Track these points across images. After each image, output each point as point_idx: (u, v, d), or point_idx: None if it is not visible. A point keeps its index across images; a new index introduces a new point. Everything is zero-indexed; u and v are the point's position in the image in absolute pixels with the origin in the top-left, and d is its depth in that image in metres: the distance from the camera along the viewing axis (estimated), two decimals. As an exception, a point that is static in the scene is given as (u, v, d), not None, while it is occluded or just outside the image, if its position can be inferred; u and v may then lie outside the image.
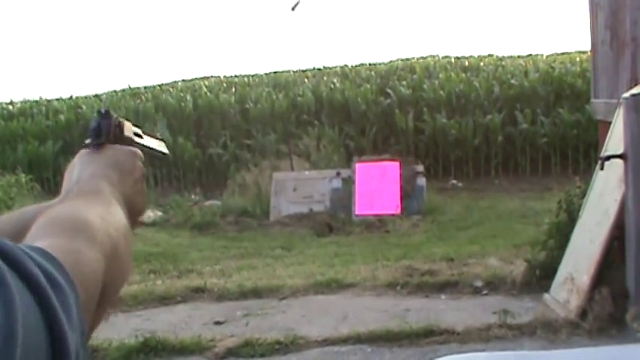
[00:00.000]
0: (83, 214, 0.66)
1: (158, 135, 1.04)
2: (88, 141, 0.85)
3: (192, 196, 10.95)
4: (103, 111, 0.86)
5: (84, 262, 0.59)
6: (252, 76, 17.81)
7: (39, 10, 35.75)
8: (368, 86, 13.52)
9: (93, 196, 0.74)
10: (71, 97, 16.66)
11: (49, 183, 12.06)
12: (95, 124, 0.85)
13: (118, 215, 0.73)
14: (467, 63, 15.76)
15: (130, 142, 0.89)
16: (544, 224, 5.57)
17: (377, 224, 8.62)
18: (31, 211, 0.74)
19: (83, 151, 0.84)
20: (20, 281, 0.46)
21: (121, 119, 0.88)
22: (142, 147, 0.92)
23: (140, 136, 0.94)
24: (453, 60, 16.60)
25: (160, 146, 1.01)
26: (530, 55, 17.17)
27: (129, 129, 0.90)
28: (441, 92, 12.67)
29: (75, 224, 0.64)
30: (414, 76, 14.19)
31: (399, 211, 8.92)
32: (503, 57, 16.95)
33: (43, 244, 0.56)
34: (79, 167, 0.82)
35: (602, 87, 6.28)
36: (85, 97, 16.42)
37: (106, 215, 0.69)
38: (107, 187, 0.78)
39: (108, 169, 0.81)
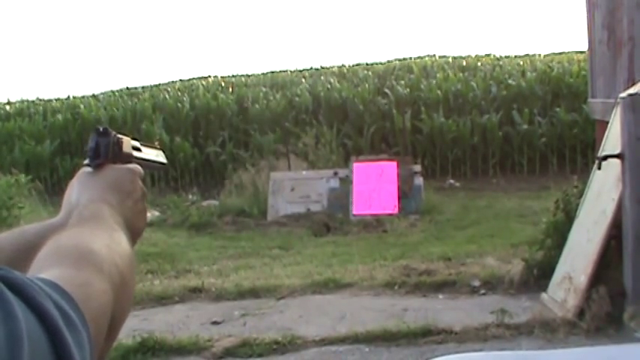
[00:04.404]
0: (89, 244, 0.65)
1: (156, 143, 1.03)
2: (86, 161, 0.83)
3: (190, 196, 10.94)
4: (101, 129, 0.84)
5: (94, 295, 0.57)
6: (249, 75, 17.81)
7: (37, 9, 35.71)
8: (365, 86, 13.53)
9: (95, 222, 0.72)
10: (68, 97, 16.65)
11: (46, 183, 12.03)
12: (93, 144, 0.83)
13: (122, 243, 0.72)
14: (464, 63, 15.79)
15: (130, 158, 0.88)
16: (542, 223, 5.57)
17: (374, 224, 8.61)
18: (32, 231, 0.73)
19: (82, 172, 0.83)
20: (33, 316, 0.45)
21: (120, 136, 0.86)
22: (142, 161, 0.91)
23: (139, 150, 0.92)
24: (450, 60, 16.63)
25: (159, 156, 1.00)
26: (528, 54, 17.20)
27: (128, 145, 0.88)
28: (439, 92, 12.67)
29: (82, 255, 0.62)
30: (412, 76, 14.20)
31: (396, 210, 8.91)
32: (501, 57, 16.98)
33: (50, 276, 0.54)
34: (78, 189, 0.80)
35: (600, 87, 6.29)
36: (83, 97, 16.39)
37: (111, 244, 0.68)
38: (107, 211, 0.76)
39: (107, 192, 0.79)
